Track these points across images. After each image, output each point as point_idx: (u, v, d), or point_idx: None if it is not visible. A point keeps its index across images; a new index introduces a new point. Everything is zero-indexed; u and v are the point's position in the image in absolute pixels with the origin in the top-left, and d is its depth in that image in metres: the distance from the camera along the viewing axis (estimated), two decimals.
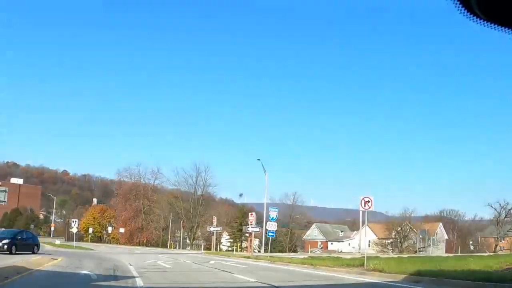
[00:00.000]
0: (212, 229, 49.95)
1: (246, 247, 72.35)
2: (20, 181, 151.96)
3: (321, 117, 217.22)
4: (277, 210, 31.29)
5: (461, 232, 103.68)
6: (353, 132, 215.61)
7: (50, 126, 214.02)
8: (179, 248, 71.15)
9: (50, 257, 24.20)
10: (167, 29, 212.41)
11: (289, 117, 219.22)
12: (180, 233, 75.35)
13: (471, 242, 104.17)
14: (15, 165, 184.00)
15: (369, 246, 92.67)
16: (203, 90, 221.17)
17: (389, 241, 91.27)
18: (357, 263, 22.01)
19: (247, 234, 76.94)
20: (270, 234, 30.87)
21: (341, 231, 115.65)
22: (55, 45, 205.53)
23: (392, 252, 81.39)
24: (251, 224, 38.03)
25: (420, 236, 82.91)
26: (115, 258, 28.18)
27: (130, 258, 27.97)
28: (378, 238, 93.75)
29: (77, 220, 48.02)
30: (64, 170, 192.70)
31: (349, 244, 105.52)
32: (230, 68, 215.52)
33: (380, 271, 17.45)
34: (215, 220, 50.81)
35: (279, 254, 46.78)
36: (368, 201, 20.31)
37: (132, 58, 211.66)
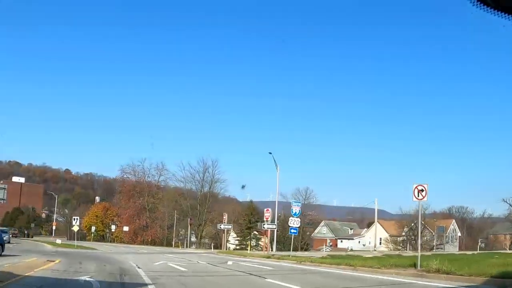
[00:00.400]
0: (222, 226, 46.71)
1: (256, 245, 69.17)
2: (21, 179, 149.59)
3: (327, 114, 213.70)
4: (300, 204, 28.02)
5: (471, 229, 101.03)
6: (354, 129, 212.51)
7: (52, 125, 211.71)
8: (186, 247, 68.03)
9: (46, 258, 21.07)
10: (169, 26, 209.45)
11: (295, 112, 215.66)
12: (188, 232, 72.09)
13: (480, 240, 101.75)
14: (17, 164, 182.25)
15: (380, 243, 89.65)
16: (208, 86, 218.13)
17: (400, 239, 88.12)
18: (405, 263, 18.81)
19: (255, 232, 74.06)
20: (292, 231, 27.60)
21: (350, 229, 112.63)
22: (57, 45, 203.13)
23: (404, 249, 78.21)
24: (267, 221, 34.90)
25: (437, 233, 79.67)
26: (120, 259, 25.00)
27: (137, 259, 24.84)
28: (390, 236, 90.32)
29: (78, 217, 44.81)
30: (67, 169, 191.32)
31: (359, 242, 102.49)
32: (237, 62, 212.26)
33: (448, 273, 14.23)
34: (225, 216, 47.53)
35: (295, 253, 43.48)
36: (422, 190, 17.04)
37: (133, 52, 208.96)
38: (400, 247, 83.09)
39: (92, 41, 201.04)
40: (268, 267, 20.11)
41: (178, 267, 19.23)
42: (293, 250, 60.77)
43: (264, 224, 34.15)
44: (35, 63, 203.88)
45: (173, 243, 73.00)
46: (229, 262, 23.32)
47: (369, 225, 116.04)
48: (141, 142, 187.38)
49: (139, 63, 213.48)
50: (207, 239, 76.28)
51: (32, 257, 22.49)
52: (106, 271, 15.52)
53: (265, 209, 35.31)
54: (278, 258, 25.95)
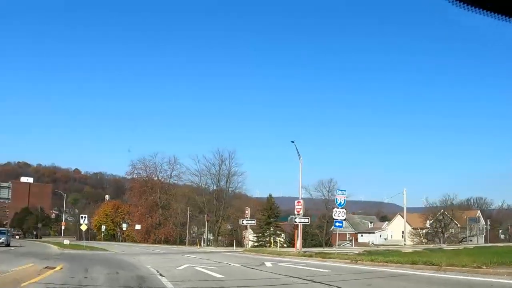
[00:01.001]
0: (245, 222, 42.60)
1: (274, 242, 65.04)
2: (30, 180, 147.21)
3: (339, 107, 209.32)
4: (345, 193, 23.72)
5: (491, 220, 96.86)
6: (357, 125, 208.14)
7: (60, 125, 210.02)
8: (203, 245, 63.99)
9: (45, 264, 16.96)
10: (174, 26, 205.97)
11: (304, 107, 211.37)
12: (205, 228, 67.94)
13: (500, 231, 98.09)
14: (26, 165, 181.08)
15: (402, 237, 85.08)
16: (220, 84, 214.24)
17: (424, 231, 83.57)
18: (500, 260, 14.36)
19: (271, 229, 69.91)
20: (337, 224, 23.34)
21: (370, 222, 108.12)
22: (63, 45, 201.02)
23: (430, 242, 73.66)
24: (298, 214, 30.68)
25: (469, 224, 75.01)
26: (134, 262, 20.87)
27: (155, 262, 20.74)
28: (413, 229, 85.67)
29: (86, 216, 41.02)
30: (76, 168, 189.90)
31: (380, 235, 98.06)
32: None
33: None
34: (248, 211, 43.37)
35: (322, 249, 39.26)
36: None
37: (142, 51, 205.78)
38: (425, 240, 78.77)
39: (96, 42, 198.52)
40: (321, 269, 15.85)
41: (209, 272, 14.96)
42: (316, 246, 56.84)
43: (295, 218, 29.98)
44: (42, 63, 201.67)
45: (187, 241, 69.04)
46: (268, 264, 19.12)
47: (383, 218, 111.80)
48: (148, 142, 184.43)
49: (148, 62, 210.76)
50: (220, 236, 72.28)
51: (29, 262, 18.42)
52: (120, 283, 11.34)
53: (296, 201, 31.06)
54: (323, 257, 21.69)
